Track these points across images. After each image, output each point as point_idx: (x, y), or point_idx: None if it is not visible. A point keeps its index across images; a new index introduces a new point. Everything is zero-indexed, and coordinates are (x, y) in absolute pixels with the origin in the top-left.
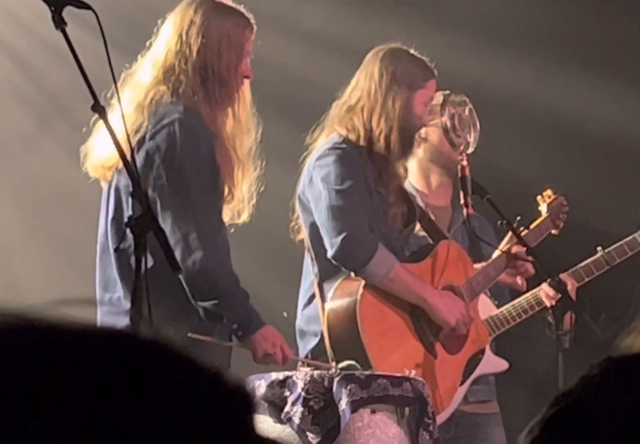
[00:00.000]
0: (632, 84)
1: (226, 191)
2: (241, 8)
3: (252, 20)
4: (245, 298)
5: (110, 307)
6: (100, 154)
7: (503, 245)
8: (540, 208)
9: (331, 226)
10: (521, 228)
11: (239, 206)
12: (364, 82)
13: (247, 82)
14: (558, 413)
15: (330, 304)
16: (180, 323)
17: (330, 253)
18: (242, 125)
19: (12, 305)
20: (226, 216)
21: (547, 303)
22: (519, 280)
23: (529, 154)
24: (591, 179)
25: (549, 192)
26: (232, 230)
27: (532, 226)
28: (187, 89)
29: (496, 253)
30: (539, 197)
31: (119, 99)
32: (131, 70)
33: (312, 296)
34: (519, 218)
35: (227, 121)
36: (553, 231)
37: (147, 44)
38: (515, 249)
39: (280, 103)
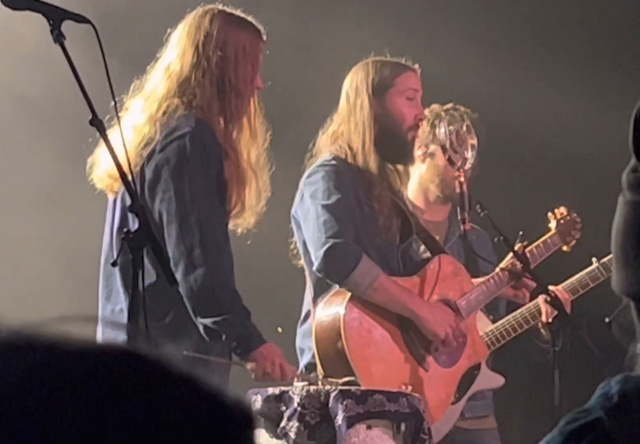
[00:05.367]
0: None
1: (237, 205)
2: (251, 18)
3: (263, 32)
4: (246, 316)
5: (112, 318)
6: (107, 164)
7: (506, 261)
8: (550, 225)
9: (316, 239)
10: (525, 242)
11: (246, 214)
12: (341, 106)
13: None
14: (578, 430)
15: (318, 318)
16: (181, 339)
17: (315, 266)
18: (256, 135)
19: (10, 320)
20: (232, 224)
21: (544, 318)
22: (524, 293)
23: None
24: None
25: (561, 209)
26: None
27: (537, 242)
28: (202, 102)
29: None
30: (549, 214)
31: (116, 112)
32: (141, 81)
33: (309, 313)
34: (521, 233)
35: (242, 133)
36: (564, 248)
37: (157, 55)
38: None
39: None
